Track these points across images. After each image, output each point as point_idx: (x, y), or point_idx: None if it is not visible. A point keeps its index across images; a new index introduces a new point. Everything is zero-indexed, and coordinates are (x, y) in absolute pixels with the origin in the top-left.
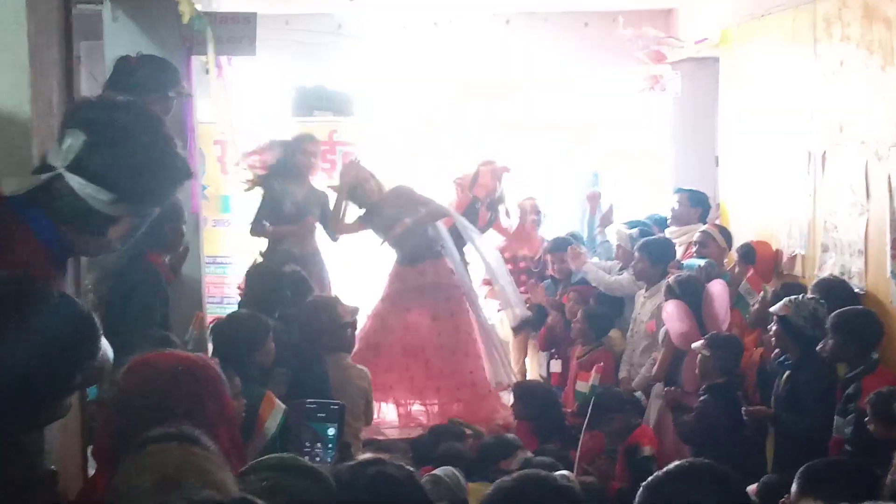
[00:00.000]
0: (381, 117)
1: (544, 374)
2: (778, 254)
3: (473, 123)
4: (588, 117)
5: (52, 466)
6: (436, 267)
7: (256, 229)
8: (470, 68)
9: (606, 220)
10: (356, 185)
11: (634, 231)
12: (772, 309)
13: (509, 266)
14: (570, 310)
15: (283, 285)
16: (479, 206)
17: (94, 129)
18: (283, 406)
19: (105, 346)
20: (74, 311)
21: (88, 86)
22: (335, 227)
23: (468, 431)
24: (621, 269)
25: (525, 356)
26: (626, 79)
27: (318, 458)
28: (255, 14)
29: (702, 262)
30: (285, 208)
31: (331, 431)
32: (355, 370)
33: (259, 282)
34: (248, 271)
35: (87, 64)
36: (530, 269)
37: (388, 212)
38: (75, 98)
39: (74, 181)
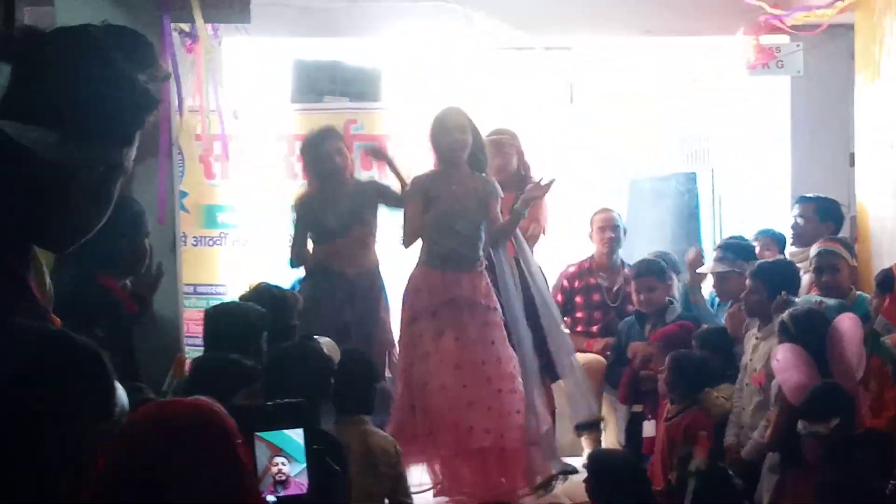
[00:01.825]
0: (416, 103)
1: (622, 440)
2: None
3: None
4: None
5: None
6: (473, 280)
7: (297, 259)
8: (524, 34)
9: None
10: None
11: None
12: None
13: (579, 299)
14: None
15: (251, 324)
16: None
17: (22, 60)
18: None
19: (121, 393)
20: (74, 351)
21: None
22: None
23: None
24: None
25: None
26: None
27: (284, 480)
28: None
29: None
30: (328, 224)
31: (296, 439)
32: (378, 438)
33: (218, 321)
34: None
35: None
36: (606, 302)
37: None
38: None
39: (8, 127)
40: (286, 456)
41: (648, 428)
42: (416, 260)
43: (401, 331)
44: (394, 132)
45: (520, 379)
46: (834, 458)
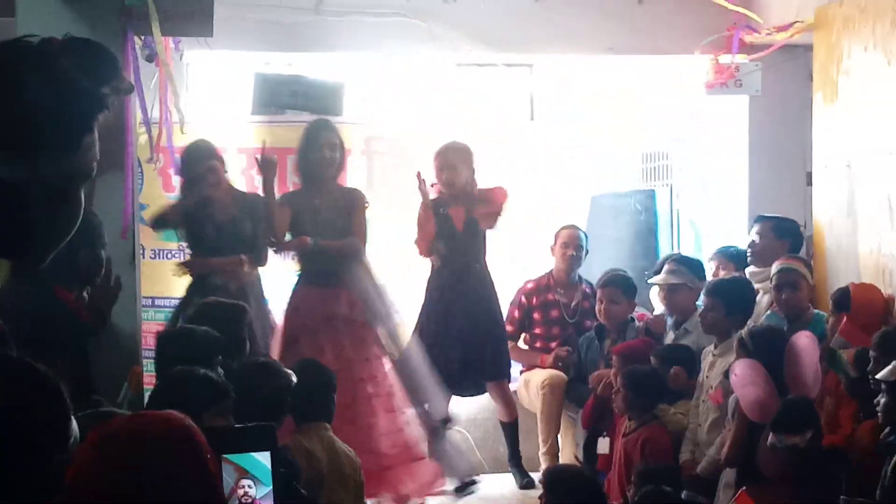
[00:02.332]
0: (377, 117)
1: (580, 456)
2: (889, 301)
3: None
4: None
5: None
6: (351, 298)
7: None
8: (489, 53)
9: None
10: None
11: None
12: (878, 375)
13: (537, 315)
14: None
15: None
16: (444, 210)
17: None
18: None
19: (74, 425)
20: (34, 382)
21: None
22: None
23: None
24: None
25: (557, 431)
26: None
27: (250, 503)
28: None
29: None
30: (207, 233)
31: (262, 462)
32: (342, 444)
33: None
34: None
35: None
36: (565, 318)
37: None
38: None
39: None
40: (252, 478)
41: (602, 445)
42: (297, 278)
43: (280, 350)
44: (356, 146)
45: (399, 395)
46: (813, 474)
